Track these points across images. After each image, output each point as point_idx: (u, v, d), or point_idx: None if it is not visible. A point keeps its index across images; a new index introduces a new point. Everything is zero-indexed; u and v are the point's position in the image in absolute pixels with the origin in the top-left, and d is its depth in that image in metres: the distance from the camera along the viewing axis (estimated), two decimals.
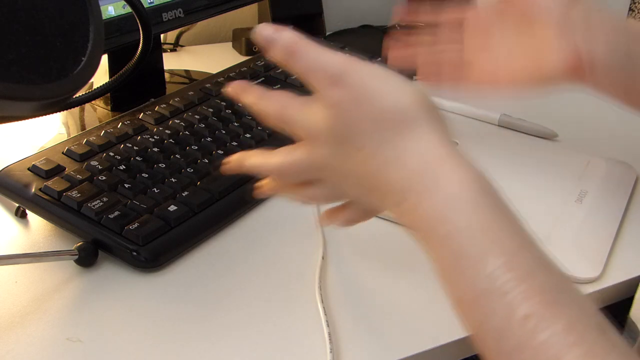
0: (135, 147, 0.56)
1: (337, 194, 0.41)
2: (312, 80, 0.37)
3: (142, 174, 0.53)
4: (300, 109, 0.38)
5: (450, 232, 0.33)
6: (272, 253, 0.50)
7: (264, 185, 0.43)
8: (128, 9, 0.62)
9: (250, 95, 0.40)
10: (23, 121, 0.44)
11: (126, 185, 0.51)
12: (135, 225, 0.47)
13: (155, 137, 0.58)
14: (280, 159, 0.40)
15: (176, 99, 0.64)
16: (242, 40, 0.91)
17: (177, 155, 0.56)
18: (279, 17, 0.94)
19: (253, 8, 0.99)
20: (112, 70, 0.67)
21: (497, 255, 0.32)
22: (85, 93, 0.53)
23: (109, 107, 0.70)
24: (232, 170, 0.42)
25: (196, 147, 0.57)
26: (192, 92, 0.66)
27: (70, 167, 0.53)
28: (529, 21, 0.50)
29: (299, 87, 0.71)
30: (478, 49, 0.54)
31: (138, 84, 0.69)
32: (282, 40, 0.37)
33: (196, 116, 0.62)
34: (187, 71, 0.83)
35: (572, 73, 0.48)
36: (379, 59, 0.81)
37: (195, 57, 0.92)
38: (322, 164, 0.38)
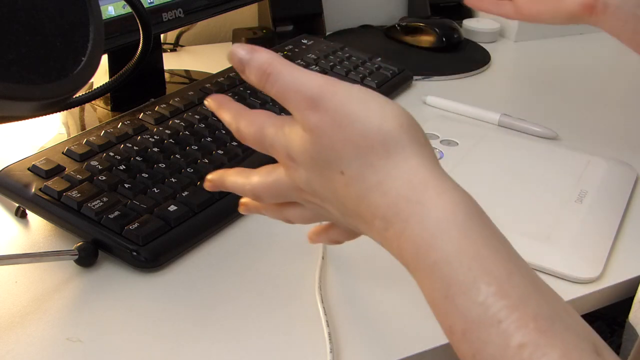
0: (135, 147, 0.56)
1: (318, 215, 0.40)
2: (288, 104, 0.35)
3: (142, 174, 0.53)
4: (278, 129, 0.37)
5: (439, 259, 0.32)
6: (272, 253, 0.50)
7: (247, 203, 0.43)
8: (128, 9, 0.62)
9: (227, 113, 0.39)
10: (23, 121, 0.44)
11: (126, 185, 0.51)
12: (135, 225, 0.48)
13: (155, 137, 0.58)
14: (259, 179, 0.39)
15: (176, 99, 0.64)
16: (242, 40, 0.91)
17: (177, 155, 0.56)
18: (279, 17, 0.94)
19: (253, 8, 0.99)
20: (112, 70, 0.67)
21: (488, 282, 0.31)
22: (85, 93, 0.53)
23: (109, 107, 0.70)
24: (213, 188, 0.42)
25: (196, 147, 0.57)
26: (192, 92, 0.66)
27: (70, 167, 0.53)
28: None
29: None
30: None
31: (138, 84, 0.69)
32: (255, 62, 0.36)
33: (196, 116, 0.62)
34: (187, 71, 0.83)
35: (588, 13, 0.57)
36: (379, 59, 0.81)
37: (195, 57, 0.92)
38: (301, 187, 0.37)
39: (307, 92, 0.34)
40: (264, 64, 0.35)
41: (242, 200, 0.43)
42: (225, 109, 0.39)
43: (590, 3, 0.56)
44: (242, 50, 0.36)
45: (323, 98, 0.34)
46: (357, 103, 0.34)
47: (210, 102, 0.39)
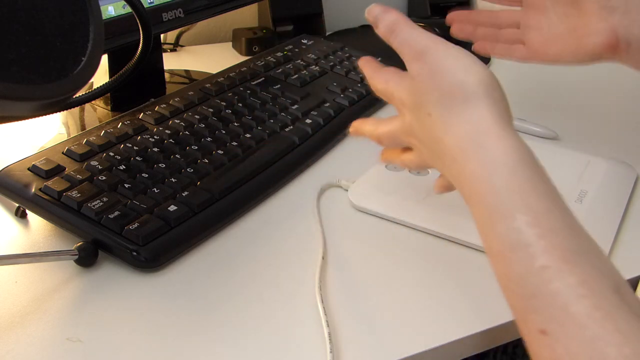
0: (135, 147, 0.56)
1: (424, 161, 0.46)
2: (403, 54, 0.44)
3: (142, 174, 0.53)
4: (397, 83, 0.45)
5: (488, 190, 0.37)
6: (272, 253, 0.50)
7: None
8: (128, 9, 0.62)
9: (368, 69, 0.48)
10: (23, 121, 0.44)
11: (126, 185, 0.51)
12: (135, 225, 0.47)
13: (155, 137, 0.58)
14: (382, 128, 0.48)
15: (176, 99, 0.64)
16: (242, 40, 0.91)
17: (177, 155, 0.56)
18: (279, 17, 0.94)
19: (253, 8, 0.99)
20: (112, 70, 0.67)
21: (525, 212, 0.36)
22: (85, 93, 0.53)
23: (109, 107, 0.70)
24: (354, 133, 0.52)
25: (196, 147, 0.57)
26: (192, 92, 0.66)
27: (70, 167, 0.53)
28: (577, 3, 0.57)
29: (299, 87, 0.71)
30: (531, 27, 0.62)
31: (138, 84, 0.69)
32: (386, 20, 0.44)
33: (196, 116, 0.62)
34: (187, 71, 0.83)
35: (611, 52, 0.55)
36: (379, 59, 0.81)
37: (195, 57, 0.92)
38: (409, 130, 0.45)
39: (416, 46, 0.43)
40: (392, 22, 0.44)
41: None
42: (367, 67, 0.48)
43: (613, 42, 0.54)
44: (377, 9, 0.45)
45: (426, 52, 0.42)
46: (451, 59, 0.42)
47: (359, 62, 0.49)
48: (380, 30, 0.45)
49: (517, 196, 0.36)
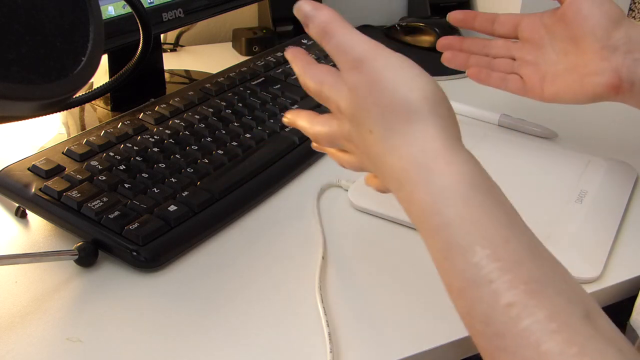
0: (135, 147, 0.56)
1: (362, 166, 0.44)
2: (338, 62, 0.40)
3: (142, 174, 0.53)
4: (332, 85, 0.41)
5: (441, 223, 0.35)
6: (272, 253, 0.50)
7: (315, 144, 0.48)
8: (128, 9, 0.62)
9: (298, 63, 0.43)
10: (23, 121, 0.44)
11: (126, 185, 0.51)
12: (135, 225, 0.48)
13: (155, 137, 0.58)
14: (318, 127, 0.44)
15: (176, 99, 0.64)
16: (242, 40, 0.91)
17: (177, 155, 0.56)
18: (279, 17, 0.94)
19: (253, 8, 0.99)
20: (112, 70, 0.67)
21: (484, 246, 0.33)
22: (85, 93, 0.53)
23: (109, 107, 0.70)
24: (288, 124, 0.48)
25: (196, 147, 0.57)
26: (192, 92, 0.66)
27: (70, 167, 0.53)
28: (576, 41, 0.55)
29: (299, 87, 0.71)
30: (528, 62, 0.59)
31: (138, 84, 0.69)
32: (318, 19, 0.40)
33: (196, 116, 0.62)
34: (187, 71, 0.83)
35: (613, 93, 0.53)
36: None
37: (195, 57, 0.92)
38: (348, 137, 0.41)
39: (353, 54, 0.38)
40: (324, 22, 0.39)
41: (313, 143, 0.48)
42: (297, 61, 0.43)
43: (616, 83, 0.53)
44: (308, 6, 0.40)
45: (364, 61, 0.38)
46: (391, 71, 0.38)
47: (287, 54, 0.44)
48: (311, 31, 0.40)
49: (473, 228, 0.34)
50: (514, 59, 0.61)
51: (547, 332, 0.30)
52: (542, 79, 0.58)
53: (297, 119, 0.46)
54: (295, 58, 0.44)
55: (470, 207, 0.34)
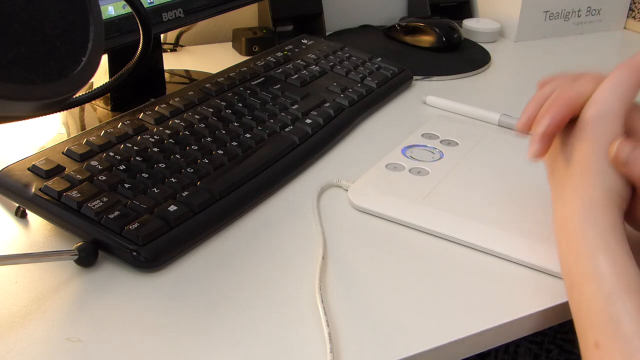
0: (135, 147, 0.56)
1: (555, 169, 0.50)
2: None
3: (142, 174, 0.53)
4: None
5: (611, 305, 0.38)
6: (272, 253, 0.50)
7: None
8: (128, 9, 0.62)
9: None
10: (23, 121, 0.44)
11: (126, 185, 0.51)
12: (135, 225, 0.48)
13: (155, 137, 0.58)
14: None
15: (176, 99, 0.64)
16: (242, 40, 0.91)
17: (177, 155, 0.56)
18: (279, 17, 0.94)
19: (253, 8, 0.99)
20: (112, 70, 0.67)
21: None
22: (85, 93, 0.53)
23: (109, 107, 0.70)
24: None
25: (196, 147, 0.57)
26: (192, 92, 0.66)
27: (70, 167, 0.53)
28: None
29: (299, 87, 0.71)
30: None
31: (138, 84, 0.69)
32: None
33: (196, 116, 0.62)
34: (187, 71, 0.83)
35: None
36: (379, 59, 0.81)
37: (195, 57, 0.92)
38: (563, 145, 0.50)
39: None
40: None
41: None
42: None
43: None
44: (627, 148, 0.41)
45: None
46: None
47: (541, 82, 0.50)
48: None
49: None
50: None
51: (629, 318, 0.36)
52: None
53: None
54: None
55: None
